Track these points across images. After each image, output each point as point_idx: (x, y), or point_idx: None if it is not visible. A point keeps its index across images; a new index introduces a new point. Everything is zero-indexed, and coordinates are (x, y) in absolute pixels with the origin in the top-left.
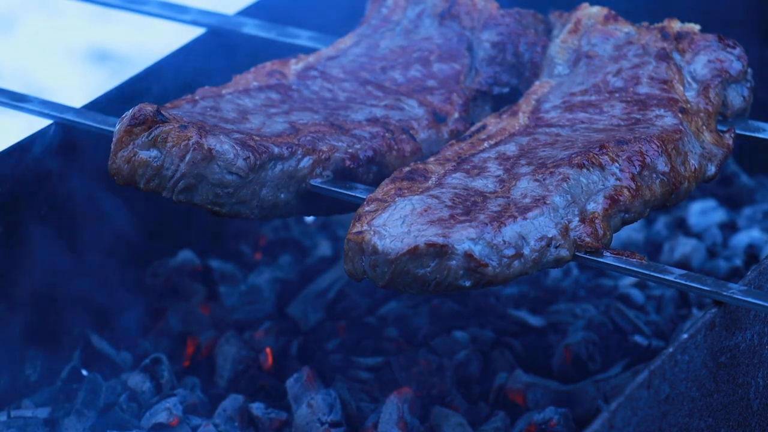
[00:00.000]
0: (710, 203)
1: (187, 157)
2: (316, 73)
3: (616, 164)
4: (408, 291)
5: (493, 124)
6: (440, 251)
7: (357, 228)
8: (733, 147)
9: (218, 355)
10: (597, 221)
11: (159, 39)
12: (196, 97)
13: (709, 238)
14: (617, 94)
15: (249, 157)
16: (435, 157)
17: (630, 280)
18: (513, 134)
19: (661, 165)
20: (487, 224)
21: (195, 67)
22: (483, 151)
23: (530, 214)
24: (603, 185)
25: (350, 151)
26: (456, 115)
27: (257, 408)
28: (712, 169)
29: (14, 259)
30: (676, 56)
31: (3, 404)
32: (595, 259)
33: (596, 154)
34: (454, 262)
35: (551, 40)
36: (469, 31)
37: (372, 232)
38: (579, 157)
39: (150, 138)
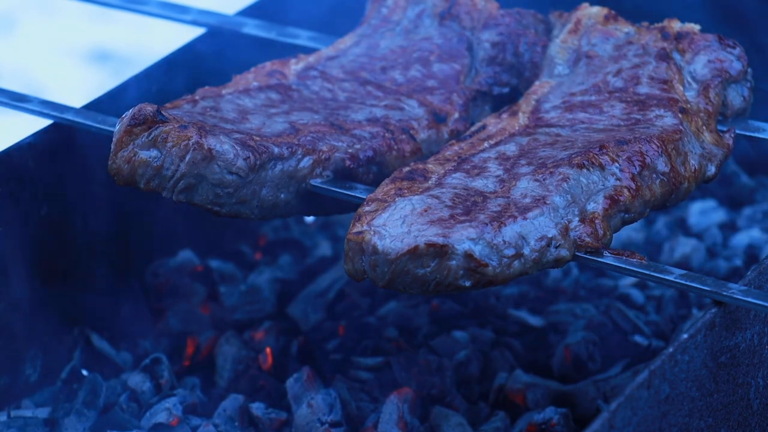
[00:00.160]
0: (710, 203)
1: (187, 157)
2: (316, 73)
3: (616, 164)
4: (408, 291)
5: (493, 124)
6: (440, 251)
7: (357, 228)
8: (733, 147)
9: (218, 355)
10: (597, 221)
11: (159, 39)
12: (196, 97)
13: (709, 238)
14: (617, 94)
15: (249, 157)
16: (435, 157)
17: (630, 280)
18: (513, 134)
19: (661, 165)
20: (487, 224)
21: (195, 67)
22: (483, 151)
23: (530, 214)
24: (603, 185)
25: (350, 151)
26: (456, 115)
27: (257, 408)
28: (712, 170)
29: (14, 258)
30: (676, 56)
31: (3, 404)
32: (595, 259)
33: (596, 154)
34: (454, 262)
35: (551, 40)
36: (469, 31)
37: (372, 232)
38: (579, 157)
39: (150, 138)
